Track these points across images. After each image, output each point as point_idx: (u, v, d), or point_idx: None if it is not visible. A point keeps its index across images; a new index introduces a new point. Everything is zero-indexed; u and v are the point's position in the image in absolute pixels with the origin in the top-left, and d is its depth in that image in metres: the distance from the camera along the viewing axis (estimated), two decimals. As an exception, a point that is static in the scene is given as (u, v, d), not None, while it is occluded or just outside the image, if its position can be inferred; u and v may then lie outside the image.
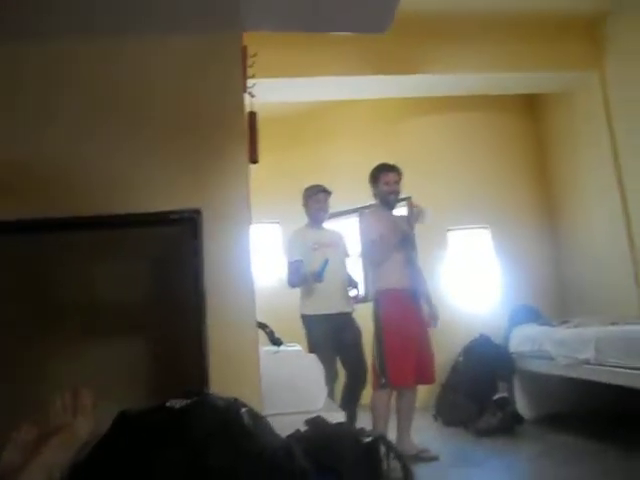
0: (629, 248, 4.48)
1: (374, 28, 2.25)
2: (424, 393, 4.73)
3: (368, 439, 2.04)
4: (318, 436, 2.04)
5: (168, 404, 1.22)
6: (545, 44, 4.57)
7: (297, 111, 5.89)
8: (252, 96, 2.75)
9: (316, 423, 2.14)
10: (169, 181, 2.00)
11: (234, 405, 1.21)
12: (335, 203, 5.09)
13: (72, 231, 1.93)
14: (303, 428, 2.12)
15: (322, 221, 3.87)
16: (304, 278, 3.59)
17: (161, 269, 2.08)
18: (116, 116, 2.11)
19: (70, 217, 1.88)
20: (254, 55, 2.57)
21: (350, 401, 3.50)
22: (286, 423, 2.37)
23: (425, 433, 4.03)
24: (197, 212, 1.85)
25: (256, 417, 1.24)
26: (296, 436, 2.10)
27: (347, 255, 3.90)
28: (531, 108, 5.73)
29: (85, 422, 1.29)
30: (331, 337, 3.51)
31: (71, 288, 2.16)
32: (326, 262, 3.52)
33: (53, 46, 2.08)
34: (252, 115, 2.69)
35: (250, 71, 2.65)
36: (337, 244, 3.82)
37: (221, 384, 1.65)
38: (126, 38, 2.15)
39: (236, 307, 1.91)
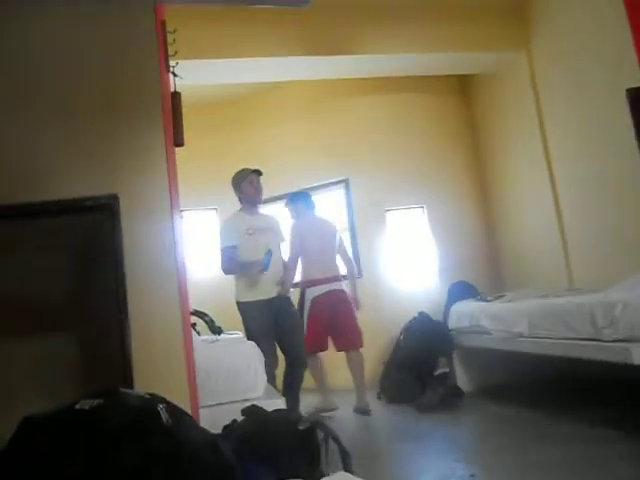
0: (557, 221, 4.63)
1: (297, 1, 2.16)
2: (368, 372, 4.78)
3: (305, 425, 2.01)
4: (254, 425, 1.99)
5: (78, 406, 1.13)
6: (474, 26, 4.62)
7: (233, 94, 5.74)
8: (175, 75, 2.61)
9: (252, 412, 2.09)
10: (83, 167, 1.86)
11: (150, 403, 1.14)
12: (276, 187, 5.02)
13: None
14: (240, 418, 2.07)
15: (259, 203, 3.79)
16: (244, 267, 3.51)
17: (80, 259, 1.95)
18: (30, 100, 1.95)
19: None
20: (174, 31, 2.43)
21: (291, 386, 3.45)
22: (224, 413, 2.31)
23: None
24: (114, 197, 1.73)
25: (176, 413, 1.16)
26: (232, 426, 2.04)
27: (282, 240, 3.84)
28: (463, 89, 5.81)
29: None
30: (270, 323, 3.44)
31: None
32: (270, 253, 3.49)
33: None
34: (175, 95, 2.56)
35: (172, 49, 2.51)
36: (273, 229, 3.75)
37: (146, 378, 1.56)
38: (32, 14, 1.99)
39: (161, 296, 1.81)
